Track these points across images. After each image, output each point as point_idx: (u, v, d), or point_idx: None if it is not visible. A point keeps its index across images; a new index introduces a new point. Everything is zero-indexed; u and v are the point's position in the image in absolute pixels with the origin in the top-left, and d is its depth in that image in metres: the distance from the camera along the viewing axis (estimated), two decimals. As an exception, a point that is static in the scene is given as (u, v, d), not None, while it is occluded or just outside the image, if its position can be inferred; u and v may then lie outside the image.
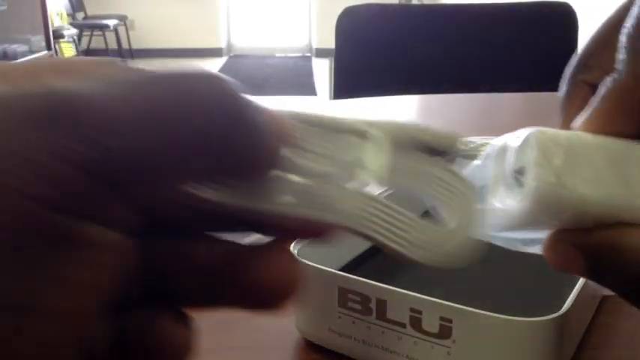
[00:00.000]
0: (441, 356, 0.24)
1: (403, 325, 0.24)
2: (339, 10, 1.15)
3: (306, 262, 0.25)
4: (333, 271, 0.25)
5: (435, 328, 0.24)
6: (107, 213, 0.14)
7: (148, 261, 0.17)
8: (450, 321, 0.23)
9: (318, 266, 0.25)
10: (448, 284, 0.30)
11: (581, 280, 0.27)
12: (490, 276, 0.32)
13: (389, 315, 0.24)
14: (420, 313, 0.23)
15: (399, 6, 1.58)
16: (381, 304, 0.24)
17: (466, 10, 1.22)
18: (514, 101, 1.00)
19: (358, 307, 0.24)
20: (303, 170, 0.17)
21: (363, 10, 1.16)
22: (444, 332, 0.23)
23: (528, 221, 0.18)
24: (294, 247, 0.26)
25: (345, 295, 0.24)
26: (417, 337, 0.24)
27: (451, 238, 0.16)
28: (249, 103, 0.16)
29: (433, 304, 0.23)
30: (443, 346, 0.23)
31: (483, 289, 0.31)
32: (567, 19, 1.19)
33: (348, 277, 0.25)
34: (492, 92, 1.00)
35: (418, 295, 0.24)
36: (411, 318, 0.24)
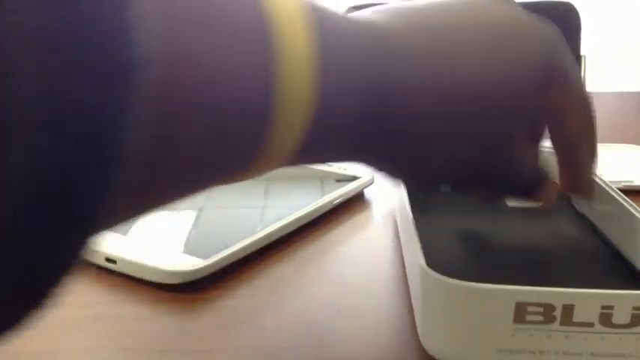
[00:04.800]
0: (630, 344, 0.24)
1: (591, 325, 0.24)
2: (343, 10, 1.15)
3: (479, 285, 0.24)
4: (511, 287, 0.23)
5: (626, 320, 0.24)
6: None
7: None
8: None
9: (493, 286, 0.24)
10: (521, 271, 0.30)
11: None
12: (533, 250, 0.33)
13: (575, 318, 0.24)
14: (611, 308, 0.23)
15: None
16: (568, 309, 0.23)
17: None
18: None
19: (539, 318, 0.24)
20: None
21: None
22: (636, 321, 0.24)
23: None
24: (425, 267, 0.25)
25: (523, 309, 0.24)
26: (604, 333, 0.24)
27: None
28: None
29: (625, 297, 0.23)
30: (633, 334, 0.24)
31: (550, 265, 0.31)
32: (570, 19, 1.18)
33: (530, 289, 0.23)
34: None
35: (608, 291, 0.24)
36: (601, 315, 0.23)
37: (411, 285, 0.30)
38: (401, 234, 0.35)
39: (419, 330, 0.27)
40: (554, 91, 0.28)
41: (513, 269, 0.31)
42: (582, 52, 1.22)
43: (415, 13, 0.26)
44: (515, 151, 0.27)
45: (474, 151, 0.26)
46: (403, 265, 0.35)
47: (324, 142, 0.23)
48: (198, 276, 0.32)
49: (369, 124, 0.24)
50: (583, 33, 1.26)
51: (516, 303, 0.23)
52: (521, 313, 0.24)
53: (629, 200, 0.32)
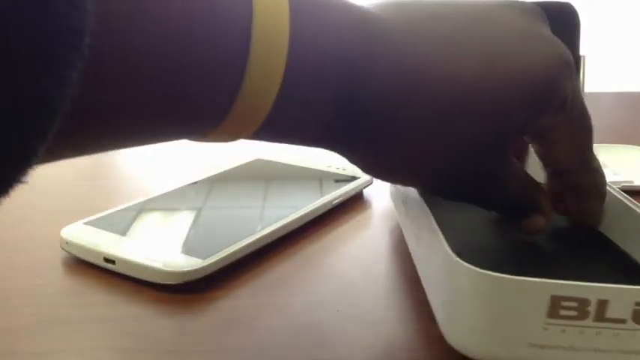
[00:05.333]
0: None
1: (623, 321, 0.23)
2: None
3: (514, 277, 0.23)
4: (547, 280, 0.23)
5: None
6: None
7: None
8: None
9: (527, 279, 0.23)
10: (551, 268, 0.30)
11: None
12: (552, 250, 0.33)
13: (608, 314, 0.23)
14: None
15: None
16: (602, 305, 0.23)
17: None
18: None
19: (573, 313, 0.23)
20: None
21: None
22: None
23: None
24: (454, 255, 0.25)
25: (557, 303, 0.23)
26: (636, 330, 0.23)
27: None
28: None
29: None
30: None
31: (557, 261, 0.31)
32: (570, 19, 1.18)
33: (566, 283, 0.23)
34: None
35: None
36: (634, 312, 0.23)
37: (428, 280, 0.29)
38: (407, 228, 0.35)
39: (442, 324, 0.26)
40: (551, 114, 0.27)
41: (523, 264, 0.30)
42: (582, 52, 1.22)
43: (419, 7, 0.25)
44: (491, 165, 0.26)
45: (449, 154, 0.25)
46: (403, 265, 0.35)
47: (291, 113, 0.22)
48: (198, 276, 0.32)
49: (341, 105, 0.23)
50: (583, 33, 1.26)
51: (551, 296, 0.23)
52: (555, 307, 0.23)
53: (630, 199, 0.32)
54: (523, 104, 0.25)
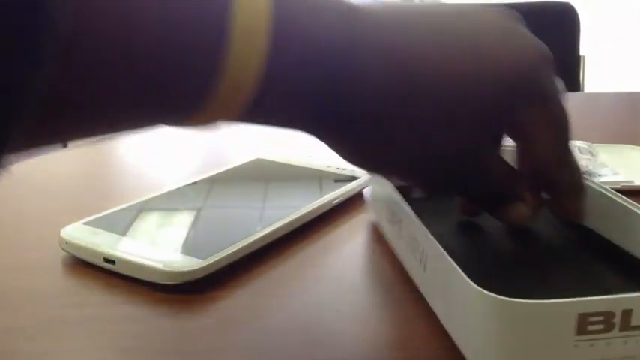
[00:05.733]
0: None
1: None
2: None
3: (539, 301, 0.23)
4: (573, 299, 0.23)
5: None
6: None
7: None
8: None
9: (553, 301, 0.23)
10: (560, 278, 0.30)
11: None
12: (534, 249, 0.33)
13: (633, 322, 0.23)
14: None
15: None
16: (626, 315, 0.23)
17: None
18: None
19: (600, 327, 0.23)
20: None
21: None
22: None
23: None
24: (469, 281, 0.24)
25: (584, 320, 0.23)
26: None
27: None
28: None
29: None
30: None
31: (561, 266, 0.31)
32: (569, 19, 1.19)
33: (591, 299, 0.23)
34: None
35: None
36: None
37: (444, 308, 0.28)
38: (403, 250, 0.34)
39: (466, 352, 0.25)
40: (529, 114, 0.28)
41: (522, 272, 0.30)
42: (581, 52, 1.22)
43: (406, 5, 0.26)
44: (473, 152, 0.27)
45: (433, 141, 0.26)
46: (403, 265, 0.35)
47: (275, 96, 0.22)
48: (197, 276, 0.32)
49: (323, 89, 0.23)
50: (582, 33, 1.26)
51: (578, 315, 0.23)
52: (583, 324, 0.23)
53: (626, 199, 0.32)
54: (507, 91, 0.26)
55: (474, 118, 0.26)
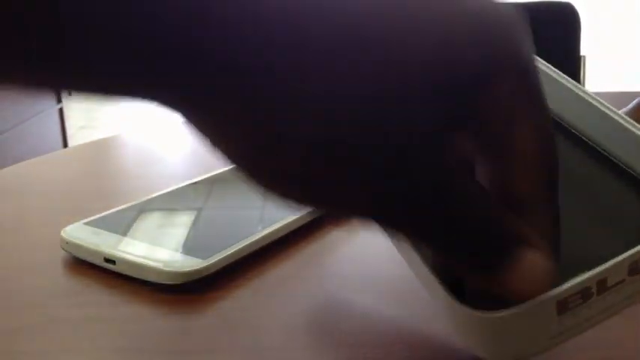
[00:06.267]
0: None
1: (622, 282, 0.24)
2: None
3: (521, 306, 0.23)
4: (548, 294, 0.23)
5: None
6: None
7: None
8: None
9: (530, 302, 0.23)
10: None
11: None
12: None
13: (609, 284, 0.24)
14: (637, 263, 0.24)
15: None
16: (602, 283, 0.24)
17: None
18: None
19: (580, 300, 0.24)
20: None
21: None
22: None
23: None
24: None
25: (564, 303, 0.24)
26: (635, 280, 0.25)
27: None
28: None
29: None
30: None
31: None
32: (570, 19, 1.19)
33: (567, 287, 0.23)
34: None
35: (632, 251, 0.24)
36: (630, 270, 0.24)
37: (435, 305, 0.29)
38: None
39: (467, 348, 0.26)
40: (496, 94, 0.19)
41: None
42: (582, 52, 1.22)
43: None
44: (432, 150, 0.18)
45: (361, 113, 0.16)
46: (403, 265, 0.35)
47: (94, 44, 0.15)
48: (198, 276, 0.32)
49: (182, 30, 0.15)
50: (583, 33, 1.26)
51: (557, 302, 0.24)
52: (563, 306, 0.24)
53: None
54: (483, 46, 0.18)
55: (436, 76, 0.17)
